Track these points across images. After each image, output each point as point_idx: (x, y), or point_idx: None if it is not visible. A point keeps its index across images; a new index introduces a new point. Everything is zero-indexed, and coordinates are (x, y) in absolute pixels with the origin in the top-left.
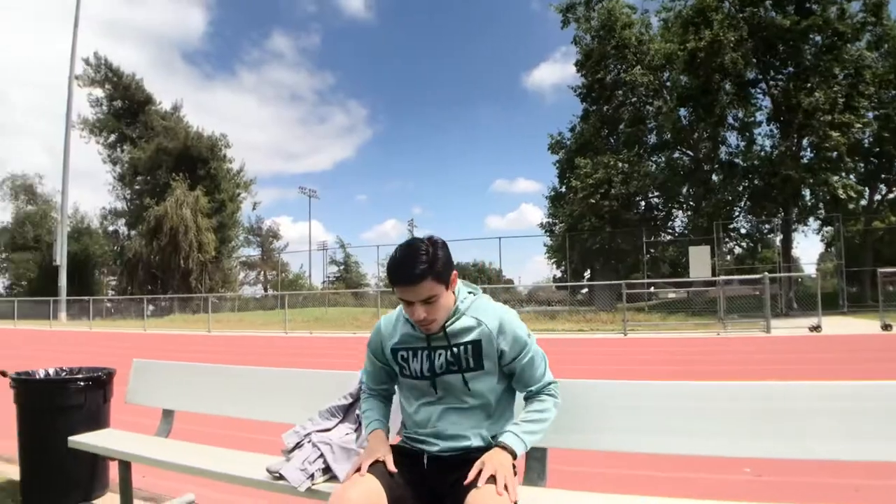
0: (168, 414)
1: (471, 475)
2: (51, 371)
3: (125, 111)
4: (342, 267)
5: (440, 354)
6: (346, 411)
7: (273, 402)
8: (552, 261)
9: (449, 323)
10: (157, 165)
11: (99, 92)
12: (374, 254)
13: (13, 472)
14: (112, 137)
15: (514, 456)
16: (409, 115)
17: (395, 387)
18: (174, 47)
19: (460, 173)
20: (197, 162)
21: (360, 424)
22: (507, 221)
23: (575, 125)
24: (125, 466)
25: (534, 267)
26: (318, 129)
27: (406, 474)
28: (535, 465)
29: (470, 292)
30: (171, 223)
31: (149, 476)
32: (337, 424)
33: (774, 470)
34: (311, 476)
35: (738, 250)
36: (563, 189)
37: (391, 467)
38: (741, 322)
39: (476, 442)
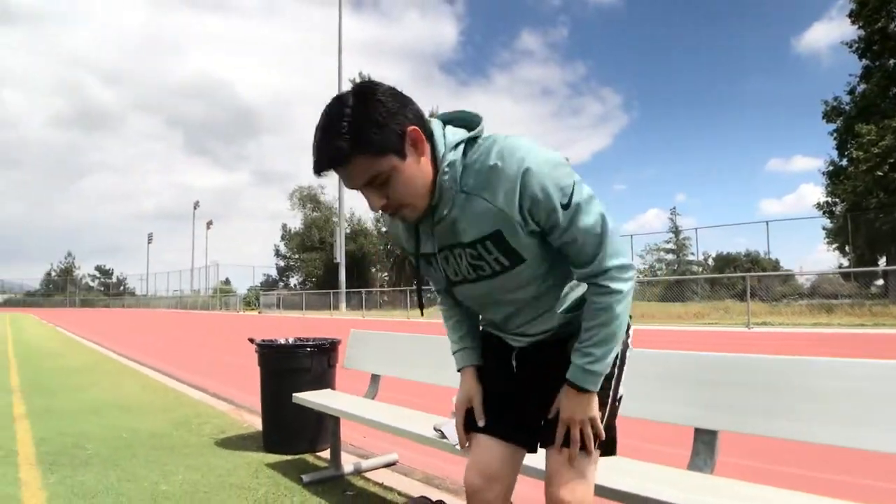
0: (375, 378)
1: (552, 411)
2: (289, 340)
3: None
4: None
5: (460, 257)
6: None
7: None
8: (833, 247)
9: (440, 206)
10: None
11: None
12: (632, 245)
13: (259, 423)
14: None
15: (591, 391)
16: (667, 96)
17: None
18: (431, 60)
19: (728, 155)
20: None
21: None
22: (785, 205)
23: (853, 86)
24: (335, 421)
25: (819, 256)
26: (573, 122)
27: (498, 382)
28: (703, 448)
29: (459, 144)
30: None
31: (369, 437)
32: None
33: None
34: None
35: None
36: (843, 162)
37: (480, 419)
38: None
39: (560, 320)
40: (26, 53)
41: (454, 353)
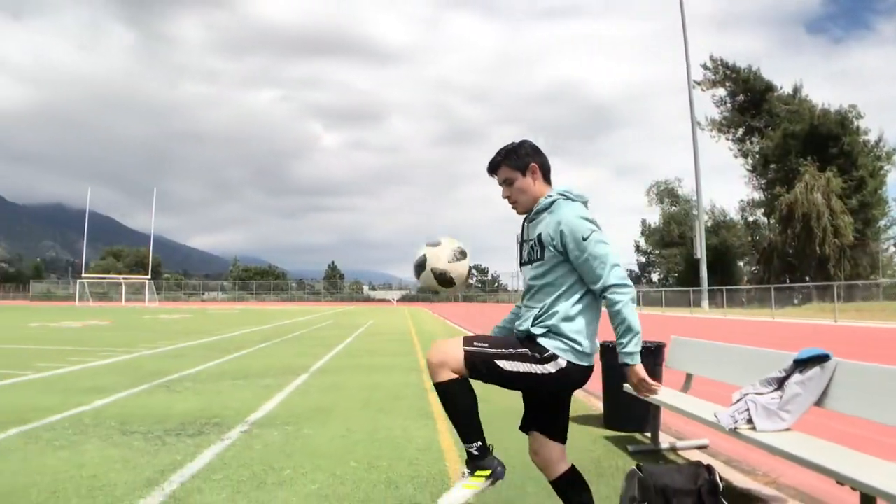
0: (689, 377)
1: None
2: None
3: (748, 104)
4: None
5: (525, 245)
6: (780, 382)
7: (742, 372)
8: None
9: (534, 212)
10: (786, 152)
11: (721, 91)
12: None
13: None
14: (739, 132)
15: (633, 364)
16: None
17: None
18: (795, 21)
19: None
20: (827, 141)
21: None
22: None
23: None
24: (656, 409)
25: None
26: None
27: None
28: None
29: (562, 194)
30: (801, 210)
31: (689, 425)
32: (771, 391)
33: None
34: (736, 422)
35: None
36: None
37: None
38: None
39: (528, 325)
40: (404, 85)
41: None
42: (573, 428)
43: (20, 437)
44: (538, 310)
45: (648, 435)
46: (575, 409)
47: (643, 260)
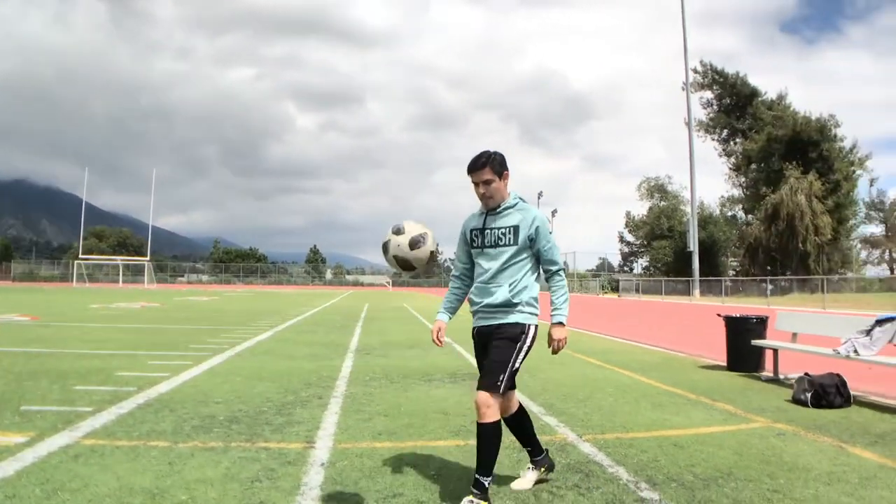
0: (794, 335)
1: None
2: (737, 315)
3: (733, 107)
4: None
5: (493, 232)
6: (868, 332)
7: (841, 329)
8: None
9: (500, 208)
10: (769, 154)
11: (708, 94)
12: None
13: (714, 361)
14: (724, 133)
15: (565, 324)
16: None
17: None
18: (770, 20)
19: None
20: (807, 146)
21: None
22: None
23: None
24: (774, 353)
25: None
26: None
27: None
28: None
29: (520, 198)
30: (786, 210)
31: (791, 365)
32: (864, 336)
33: None
34: (848, 352)
35: None
36: None
37: (439, 343)
38: None
39: (502, 298)
40: (384, 69)
41: (440, 310)
42: (702, 373)
43: (385, 383)
44: (510, 285)
45: (768, 374)
46: (695, 363)
47: (626, 250)
